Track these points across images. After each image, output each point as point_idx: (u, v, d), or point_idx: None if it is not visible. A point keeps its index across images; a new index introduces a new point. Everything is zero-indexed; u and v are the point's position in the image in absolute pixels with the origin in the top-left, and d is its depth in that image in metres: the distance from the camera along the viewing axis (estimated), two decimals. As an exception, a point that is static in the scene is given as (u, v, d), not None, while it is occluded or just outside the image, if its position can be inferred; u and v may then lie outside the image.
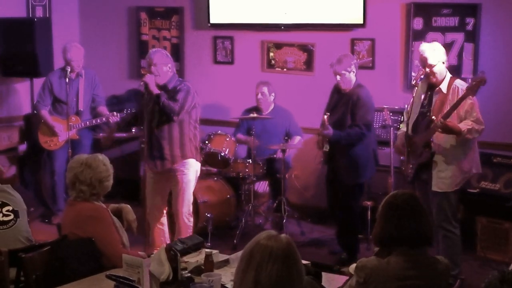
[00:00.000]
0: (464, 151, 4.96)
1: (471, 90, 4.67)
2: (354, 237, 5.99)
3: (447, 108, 4.85)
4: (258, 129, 6.50)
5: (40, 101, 6.92)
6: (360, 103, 5.64)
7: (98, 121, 6.86)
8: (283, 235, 2.44)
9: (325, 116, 5.65)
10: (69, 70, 6.65)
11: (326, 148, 5.75)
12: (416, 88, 5.13)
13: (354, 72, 5.71)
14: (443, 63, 4.99)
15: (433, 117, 4.89)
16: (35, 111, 7.09)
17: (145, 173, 5.81)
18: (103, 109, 7.03)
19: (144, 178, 5.84)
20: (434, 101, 5.00)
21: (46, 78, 6.95)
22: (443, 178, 4.98)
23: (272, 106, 6.86)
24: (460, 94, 4.82)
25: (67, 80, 6.62)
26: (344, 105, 5.70)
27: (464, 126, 4.80)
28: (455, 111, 4.78)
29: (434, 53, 4.96)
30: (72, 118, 6.81)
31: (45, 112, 6.88)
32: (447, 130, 4.78)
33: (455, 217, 5.09)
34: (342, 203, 5.85)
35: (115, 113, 6.70)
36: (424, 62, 4.99)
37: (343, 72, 5.66)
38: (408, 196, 3.10)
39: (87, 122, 6.86)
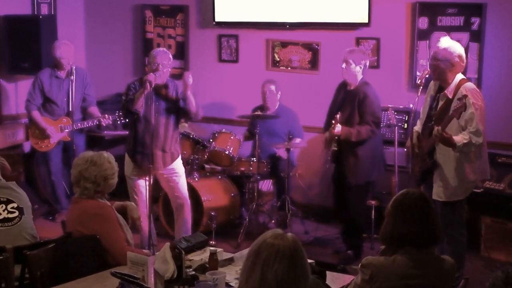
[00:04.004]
0: (469, 161, 4.78)
1: (456, 113, 4.51)
2: (360, 237, 6.00)
3: (449, 114, 4.69)
4: (261, 128, 6.50)
5: (30, 100, 6.81)
6: (368, 101, 5.65)
7: (90, 123, 6.78)
8: (289, 234, 2.44)
9: (338, 116, 5.64)
10: (74, 68, 6.62)
11: (335, 147, 5.76)
12: (421, 87, 5.09)
13: (361, 68, 5.71)
14: (452, 64, 4.79)
15: (435, 125, 4.71)
16: (26, 111, 6.99)
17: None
18: (94, 109, 6.96)
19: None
20: (439, 106, 4.87)
21: (36, 77, 6.84)
22: (443, 188, 4.85)
23: (277, 105, 6.86)
24: (463, 100, 4.60)
25: (72, 78, 6.58)
26: (351, 103, 5.71)
27: (460, 139, 4.60)
28: (457, 120, 4.63)
29: (446, 50, 4.80)
30: (63, 119, 6.79)
31: (36, 113, 6.80)
32: (443, 140, 4.60)
33: (462, 225, 4.95)
34: (348, 203, 5.86)
35: (106, 115, 6.62)
36: (433, 53, 4.89)
37: (350, 61, 5.67)
38: (418, 195, 3.08)
39: (79, 124, 6.74)
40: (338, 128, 5.64)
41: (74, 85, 6.66)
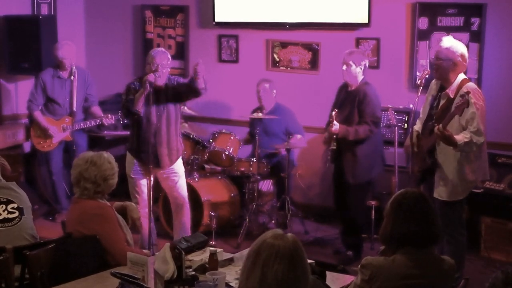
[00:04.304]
0: (468, 161, 4.76)
1: (458, 110, 4.51)
2: (359, 236, 6.00)
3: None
4: (260, 128, 6.50)
5: (32, 100, 6.82)
6: (367, 100, 5.65)
7: (93, 123, 6.81)
8: (289, 234, 2.44)
9: (333, 113, 5.66)
10: (74, 68, 6.62)
11: (334, 145, 5.76)
12: (421, 87, 5.07)
13: (361, 69, 5.72)
14: (454, 64, 4.77)
15: (435, 124, 4.70)
16: (28, 111, 7.01)
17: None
18: (96, 109, 6.98)
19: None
20: (440, 105, 4.85)
21: (38, 77, 6.86)
22: (443, 187, 4.83)
23: (273, 104, 6.86)
24: (465, 96, 4.59)
25: (72, 78, 6.59)
26: (351, 102, 5.72)
27: (461, 138, 4.58)
28: (458, 119, 4.63)
29: (448, 49, 4.78)
30: (66, 119, 6.79)
31: (38, 114, 6.80)
32: (444, 139, 4.58)
33: (462, 224, 4.93)
34: (348, 202, 5.86)
35: (109, 115, 6.66)
36: (436, 52, 4.86)
37: (350, 62, 5.68)
38: (417, 195, 3.08)
39: (81, 124, 6.79)
40: (336, 126, 5.65)
41: (75, 85, 6.68)
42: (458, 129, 4.68)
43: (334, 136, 5.72)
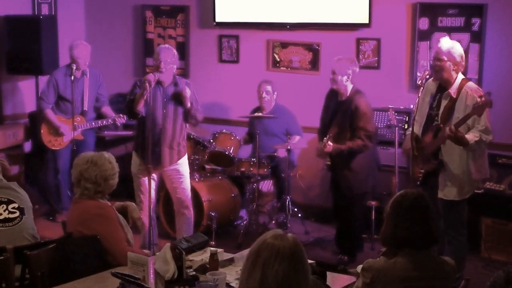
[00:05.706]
0: (473, 159, 4.79)
1: (477, 110, 4.51)
2: (352, 243, 5.99)
3: (454, 114, 4.72)
4: (259, 129, 6.51)
5: (44, 98, 6.85)
6: (359, 113, 5.63)
7: (105, 122, 6.83)
8: (289, 235, 2.44)
9: (327, 139, 5.65)
10: (74, 67, 6.62)
11: (328, 161, 5.80)
12: (422, 87, 5.07)
13: (348, 77, 5.70)
14: (455, 64, 4.80)
15: (441, 125, 4.73)
16: (38, 109, 7.04)
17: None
18: (107, 109, 7.01)
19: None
20: (442, 106, 4.85)
21: (51, 75, 6.88)
22: (450, 187, 4.84)
23: (273, 105, 6.86)
24: (469, 100, 4.65)
25: (72, 78, 6.59)
26: (343, 115, 5.70)
27: (472, 137, 4.62)
28: (478, 117, 4.62)
29: (449, 50, 4.80)
30: (77, 118, 6.80)
31: (49, 112, 6.82)
32: (456, 139, 4.60)
33: (463, 225, 4.95)
34: (345, 212, 5.88)
35: (121, 114, 6.67)
36: (436, 54, 4.87)
37: (336, 71, 5.68)
38: (416, 196, 3.07)
39: (93, 123, 6.82)
40: (329, 148, 5.67)
41: (87, 85, 6.76)
42: (464, 128, 4.69)
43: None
